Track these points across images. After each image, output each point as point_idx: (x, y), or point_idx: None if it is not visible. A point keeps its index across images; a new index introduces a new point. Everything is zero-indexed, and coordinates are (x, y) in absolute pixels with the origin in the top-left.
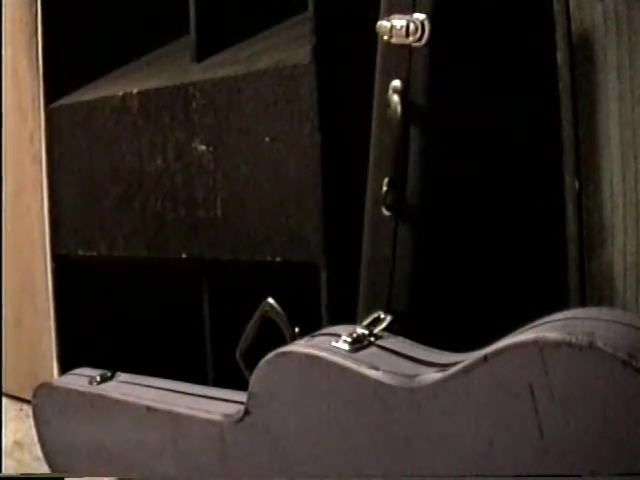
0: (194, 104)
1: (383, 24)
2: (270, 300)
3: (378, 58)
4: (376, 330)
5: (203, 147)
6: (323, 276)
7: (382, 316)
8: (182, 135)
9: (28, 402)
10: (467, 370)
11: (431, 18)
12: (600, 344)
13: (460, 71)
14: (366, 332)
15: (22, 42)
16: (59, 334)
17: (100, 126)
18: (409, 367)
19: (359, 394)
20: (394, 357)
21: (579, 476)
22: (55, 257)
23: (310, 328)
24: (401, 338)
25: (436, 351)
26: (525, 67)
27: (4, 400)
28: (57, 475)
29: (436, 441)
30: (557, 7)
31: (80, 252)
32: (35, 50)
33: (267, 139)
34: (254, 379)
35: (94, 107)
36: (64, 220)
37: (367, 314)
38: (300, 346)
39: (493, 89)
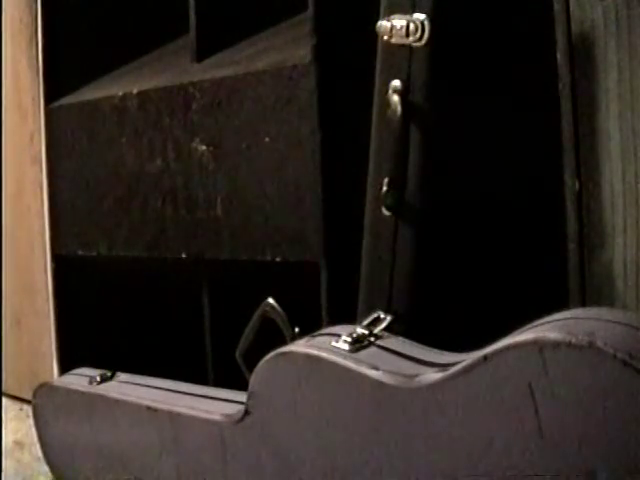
0: (194, 104)
1: (383, 24)
2: (270, 300)
3: (378, 58)
4: (376, 330)
5: (203, 147)
6: (323, 276)
7: (382, 316)
8: (182, 135)
9: (28, 402)
10: (467, 370)
11: (431, 18)
12: (600, 344)
13: (460, 71)
14: (366, 332)
15: (22, 42)
16: (59, 334)
17: (100, 126)
18: (409, 367)
19: (359, 394)
20: (394, 357)
21: (579, 476)
22: (55, 257)
23: (310, 328)
24: (401, 338)
25: (436, 351)
26: (525, 67)
27: (4, 400)
28: None
29: (436, 441)
30: (557, 7)
31: (80, 252)
32: (35, 50)
33: (267, 139)
34: (254, 379)
35: (94, 107)
36: (64, 220)
37: (367, 314)
38: (300, 346)
39: (493, 89)
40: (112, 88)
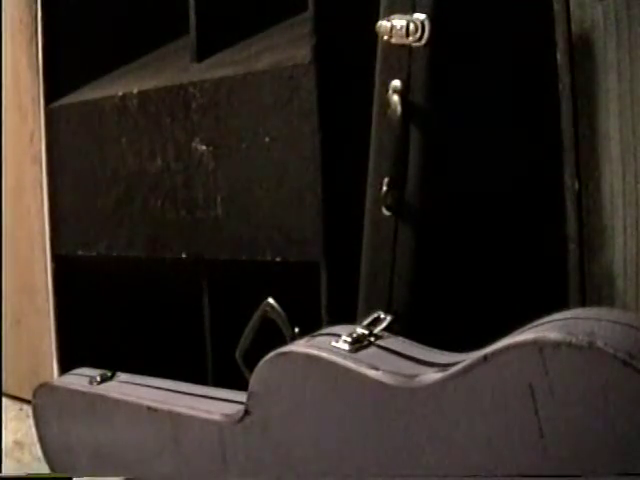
0: (194, 104)
1: (383, 24)
2: (270, 300)
3: (378, 58)
4: (376, 330)
5: (203, 147)
6: (323, 276)
7: (382, 316)
8: (182, 135)
9: (28, 402)
10: (467, 370)
11: (431, 18)
12: (600, 344)
13: (460, 71)
14: (366, 332)
15: (22, 42)
16: (59, 334)
17: (100, 126)
18: (409, 367)
19: (359, 394)
20: (394, 357)
21: (579, 476)
22: (55, 257)
23: (310, 328)
24: (401, 338)
25: (436, 351)
26: (525, 67)
27: (4, 400)
28: (60, 475)
29: (436, 441)
30: (557, 7)
31: (80, 252)
32: (35, 50)
33: (267, 139)
34: (254, 379)
35: (94, 107)
36: (64, 220)
37: (367, 314)
38: (300, 346)
39: (493, 89)
40: (112, 88)
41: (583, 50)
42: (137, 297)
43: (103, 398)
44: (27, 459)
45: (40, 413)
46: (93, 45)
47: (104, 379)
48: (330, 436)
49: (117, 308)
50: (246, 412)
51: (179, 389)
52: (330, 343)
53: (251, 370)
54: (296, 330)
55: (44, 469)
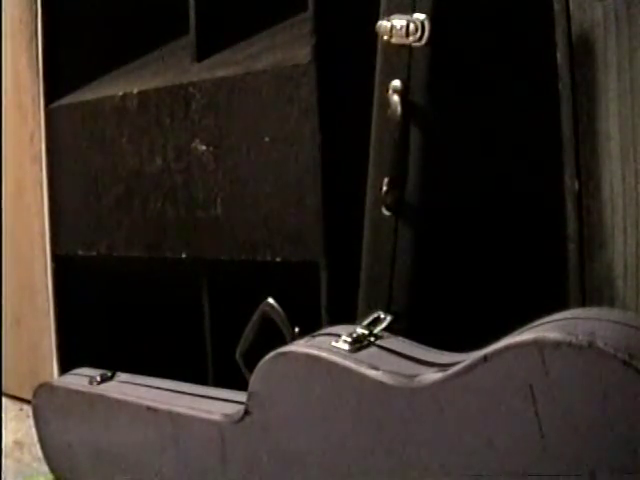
0: (194, 104)
1: (383, 24)
2: (270, 300)
3: (378, 58)
4: (376, 330)
5: (203, 147)
6: (323, 276)
7: (382, 316)
8: (182, 135)
9: (28, 402)
10: (467, 370)
11: (431, 18)
12: (600, 344)
13: (460, 71)
14: (366, 332)
15: (22, 42)
16: (59, 334)
17: (100, 126)
18: (409, 367)
19: (359, 394)
20: (394, 357)
21: (579, 476)
22: (55, 257)
23: (310, 328)
24: (401, 338)
25: (436, 351)
26: (525, 67)
27: (4, 400)
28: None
29: (436, 441)
30: (557, 7)
31: (80, 252)
32: (35, 50)
33: (267, 139)
34: (254, 379)
35: (94, 107)
36: (64, 220)
37: (367, 314)
38: (300, 346)
39: (493, 89)
40: (112, 88)
41: (583, 50)
42: (137, 297)
43: (103, 398)
44: (27, 459)
45: (40, 413)
46: (93, 45)
47: (104, 379)
48: (330, 436)
49: (117, 308)
50: (246, 412)
51: (179, 389)
52: (330, 343)
53: (251, 370)
54: (296, 330)
55: (44, 469)
